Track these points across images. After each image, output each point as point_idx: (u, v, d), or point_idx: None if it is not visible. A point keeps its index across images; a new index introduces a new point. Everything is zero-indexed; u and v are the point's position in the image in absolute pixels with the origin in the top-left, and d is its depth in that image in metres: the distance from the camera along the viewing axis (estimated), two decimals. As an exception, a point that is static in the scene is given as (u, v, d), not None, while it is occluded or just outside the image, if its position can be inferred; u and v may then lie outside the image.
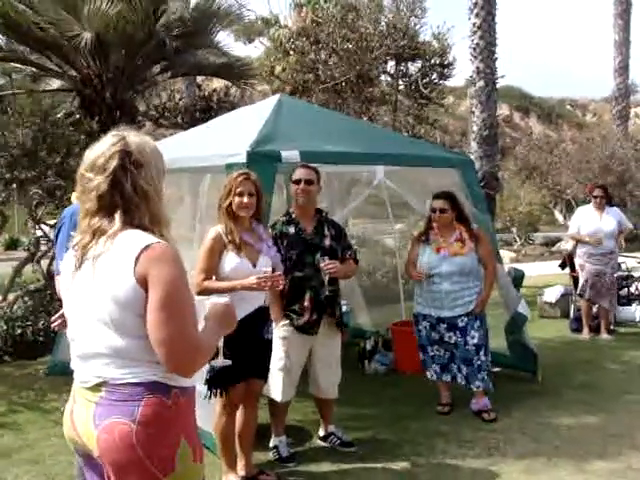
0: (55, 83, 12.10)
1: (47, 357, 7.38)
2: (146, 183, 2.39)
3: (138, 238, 2.32)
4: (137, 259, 2.27)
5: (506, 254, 19.26)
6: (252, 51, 17.86)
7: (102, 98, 10.70)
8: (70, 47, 10.16)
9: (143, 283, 2.26)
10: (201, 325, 2.46)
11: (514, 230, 23.98)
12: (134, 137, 2.46)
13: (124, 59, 10.85)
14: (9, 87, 11.28)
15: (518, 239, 23.73)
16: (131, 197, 2.36)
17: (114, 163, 2.36)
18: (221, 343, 2.99)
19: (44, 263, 9.01)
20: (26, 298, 8.57)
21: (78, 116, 9.79)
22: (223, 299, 2.63)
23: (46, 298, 8.40)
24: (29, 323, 8.03)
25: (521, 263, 17.16)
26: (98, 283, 2.33)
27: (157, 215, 2.42)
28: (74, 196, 5.01)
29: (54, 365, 6.82)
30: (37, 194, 8.61)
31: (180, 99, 13.74)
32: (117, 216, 2.35)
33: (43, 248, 9.31)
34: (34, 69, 11.64)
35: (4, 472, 4.98)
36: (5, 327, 8.08)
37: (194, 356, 2.33)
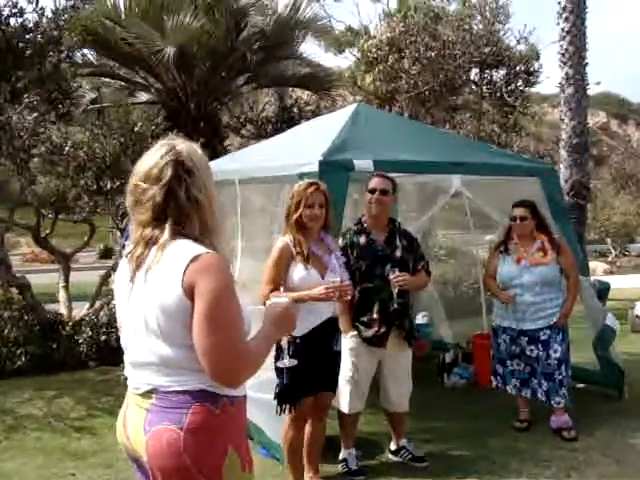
0: (142, 96, 12.45)
1: (129, 364, 7.52)
2: (198, 191, 2.38)
3: (187, 248, 2.31)
4: (185, 269, 2.26)
5: (600, 265, 18.69)
6: (342, 62, 17.93)
7: (187, 110, 10.93)
8: (155, 61, 10.43)
9: (190, 293, 2.25)
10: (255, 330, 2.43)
11: (609, 241, 23.22)
12: (183, 145, 2.45)
13: (208, 72, 11.06)
14: (99, 101, 11.64)
15: (613, 250, 22.95)
16: (184, 206, 2.35)
17: (169, 172, 2.36)
18: (285, 344, 2.95)
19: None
20: (111, 305, 8.78)
21: (163, 128, 10.00)
22: (283, 300, 2.59)
23: (130, 306, 8.57)
24: (113, 330, 8.20)
25: (615, 275, 16.61)
26: (149, 292, 2.34)
27: (208, 223, 2.40)
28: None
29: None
30: (122, 204, 8.82)
31: (262, 110, 13.90)
32: (167, 226, 2.35)
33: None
34: (122, 83, 12.00)
35: (79, 474, 5.11)
36: (90, 333, 8.32)
37: (238, 367, 2.31)
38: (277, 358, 4.03)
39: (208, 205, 2.41)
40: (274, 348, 3.23)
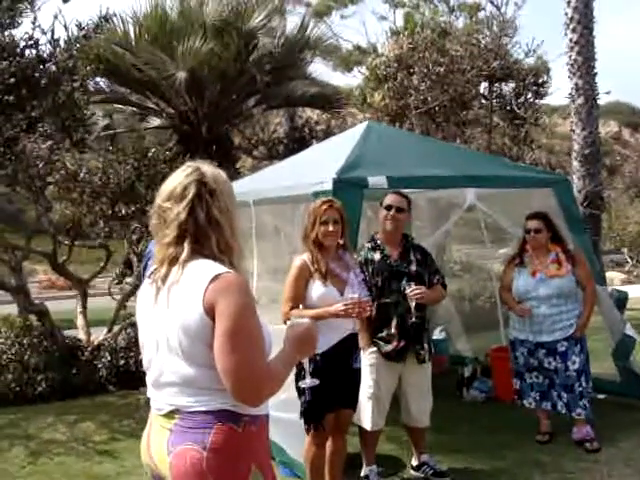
0: (154, 121, 12.56)
1: (149, 387, 7.55)
2: (219, 212, 2.42)
3: (208, 268, 2.34)
4: (206, 289, 2.28)
5: (616, 275, 18.59)
6: (351, 80, 18.05)
7: (199, 133, 11.02)
8: (166, 86, 10.54)
9: (211, 312, 2.28)
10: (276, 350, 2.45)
11: (625, 250, 23.07)
12: (208, 167, 2.50)
13: (218, 95, 11.16)
14: (112, 127, 11.76)
15: (630, 260, 22.81)
16: (203, 226, 2.39)
17: (192, 192, 2.40)
18: (307, 364, 2.96)
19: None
20: (129, 330, 8.82)
21: (175, 151, 10.08)
22: (304, 320, 2.60)
23: (148, 329, 8.62)
24: (132, 354, 8.26)
25: (633, 285, 16.51)
26: (170, 312, 2.37)
27: (228, 245, 2.43)
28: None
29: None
30: (137, 229, 8.90)
31: (273, 131, 13.99)
32: (186, 244, 2.38)
33: (146, 281, 9.56)
34: (134, 108, 12.11)
35: (103, 499, 5.13)
36: (109, 358, 8.36)
37: (260, 386, 2.32)
38: (297, 377, 4.05)
39: (228, 226, 2.43)
40: (295, 368, 3.25)
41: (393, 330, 4.89)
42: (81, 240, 10.09)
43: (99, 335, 8.98)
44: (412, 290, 4.78)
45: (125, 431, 6.58)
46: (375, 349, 4.93)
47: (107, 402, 7.76)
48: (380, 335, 4.93)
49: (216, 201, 2.42)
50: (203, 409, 2.34)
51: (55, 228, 9.27)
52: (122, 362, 8.30)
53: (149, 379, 2.51)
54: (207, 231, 2.40)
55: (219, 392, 2.33)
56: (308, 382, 3.16)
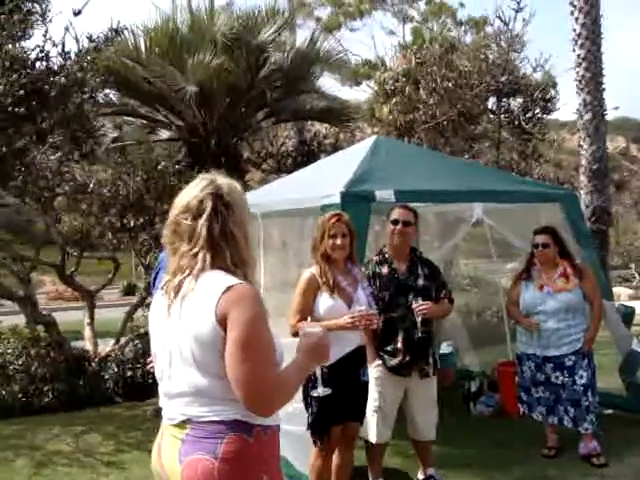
0: (164, 133, 12.62)
1: (155, 398, 7.54)
2: (235, 225, 2.44)
3: (220, 279, 2.36)
4: (219, 300, 2.31)
5: (624, 291, 18.50)
6: (360, 95, 18.11)
7: (207, 146, 11.06)
8: (176, 99, 10.60)
9: (223, 323, 2.30)
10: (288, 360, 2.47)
11: (632, 266, 23.02)
12: (223, 179, 2.53)
13: (228, 108, 11.21)
14: (121, 139, 11.81)
15: (637, 275, 22.74)
16: (218, 239, 2.42)
17: (208, 205, 2.43)
18: (319, 373, 2.97)
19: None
20: (137, 341, 8.83)
21: (184, 164, 10.13)
22: (317, 329, 2.62)
23: (155, 341, 8.64)
24: (139, 365, 8.28)
25: (640, 300, 16.42)
26: (183, 322, 2.39)
27: (242, 257, 2.45)
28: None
29: (162, 406, 6.97)
30: (146, 241, 8.93)
31: (282, 144, 14.04)
32: (201, 256, 2.40)
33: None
34: (143, 121, 12.18)
35: (108, 510, 5.13)
36: (116, 369, 8.39)
37: (271, 396, 2.34)
38: (306, 387, 4.06)
39: (243, 239, 2.46)
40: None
41: (399, 345, 4.89)
42: (89, 251, 10.14)
43: (106, 346, 9.01)
44: (418, 305, 4.79)
45: (131, 442, 6.59)
46: (381, 362, 4.94)
47: (113, 413, 7.77)
48: (386, 349, 4.93)
49: (232, 214, 2.45)
50: (215, 419, 2.35)
51: (64, 239, 9.31)
52: (129, 373, 8.33)
53: (161, 389, 2.53)
54: (223, 244, 2.42)
55: (231, 402, 2.34)
56: (320, 391, 3.16)
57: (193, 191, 2.48)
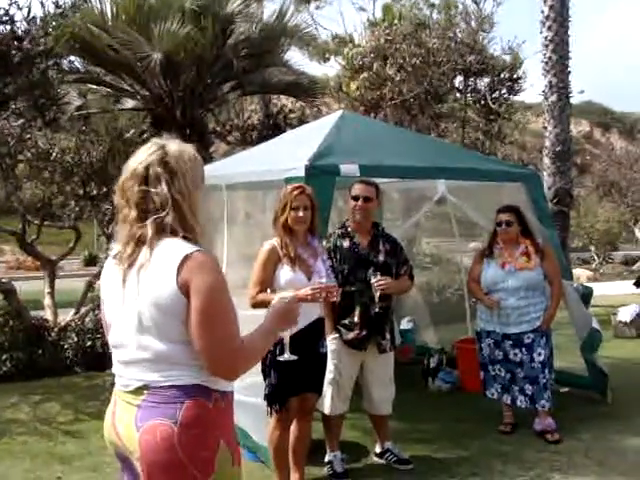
0: (129, 103, 12.45)
1: (115, 369, 7.52)
2: (177, 193, 2.39)
3: (178, 247, 2.34)
4: (179, 267, 2.29)
5: (584, 273, 18.80)
6: (328, 70, 17.99)
7: (173, 116, 10.95)
8: (142, 67, 10.45)
9: (185, 291, 2.29)
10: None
11: (592, 248, 23.37)
12: (173, 145, 2.48)
13: (194, 78, 11.09)
14: (85, 107, 11.64)
15: (597, 257, 23.10)
16: (164, 205, 2.37)
17: (151, 170, 2.39)
18: (287, 339, 2.99)
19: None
20: (97, 311, 8.76)
21: (149, 134, 10.01)
22: (289, 294, 2.65)
23: (116, 311, 8.60)
24: (99, 335, 8.22)
25: (599, 282, 16.72)
26: (142, 291, 2.36)
27: (189, 224, 2.41)
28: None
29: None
30: (108, 210, 8.83)
31: (248, 117, 13.95)
32: (149, 224, 2.37)
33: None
34: (108, 89, 12.00)
35: (65, 477, 5.12)
36: (76, 339, 8.34)
37: (235, 361, 2.36)
38: (266, 357, 4.07)
39: (187, 206, 2.41)
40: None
41: (356, 318, 4.91)
42: (51, 221, 10.02)
43: (66, 316, 8.93)
44: (377, 280, 4.81)
45: (90, 412, 6.55)
46: (337, 335, 4.96)
47: (73, 383, 7.73)
48: (343, 322, 4.96)
49: (176, 182, 2.39)
50: (175, 383, 2.34)
51: (25, 207, 9.19)
52: (89, 343, 8.29)
53: (117, 357, 2.51)
54: (168, 210, 2.37)
55: (191, 367, 2.35)
56: (286, 356, 3.18)
57: (141, 156, 2.43)
